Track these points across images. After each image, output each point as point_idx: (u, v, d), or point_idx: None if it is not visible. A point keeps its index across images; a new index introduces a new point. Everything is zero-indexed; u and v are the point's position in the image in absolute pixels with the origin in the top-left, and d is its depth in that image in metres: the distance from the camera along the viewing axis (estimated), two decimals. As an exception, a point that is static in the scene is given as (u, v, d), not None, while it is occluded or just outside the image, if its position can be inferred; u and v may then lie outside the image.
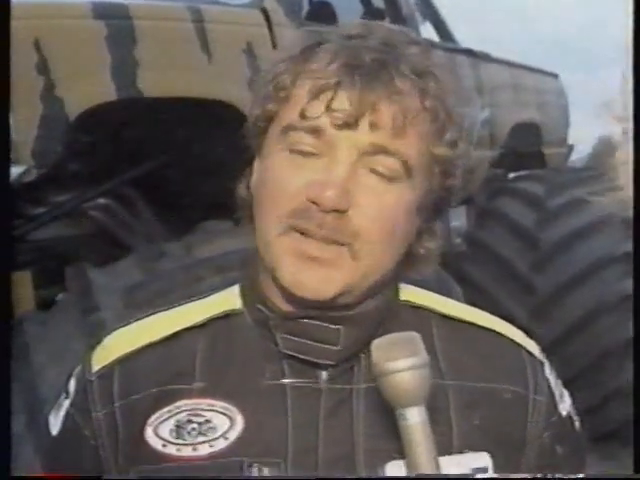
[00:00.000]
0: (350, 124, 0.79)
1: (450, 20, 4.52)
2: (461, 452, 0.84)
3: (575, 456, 0.92)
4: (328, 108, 0.79)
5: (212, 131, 2.39)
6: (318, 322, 0.84)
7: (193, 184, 2.68)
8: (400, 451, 0.76)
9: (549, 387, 0.91)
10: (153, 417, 0.84)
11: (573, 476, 0.88)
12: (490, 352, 0.90)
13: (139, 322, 0.92)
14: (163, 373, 0.86)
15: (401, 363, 0.74)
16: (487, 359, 0.89)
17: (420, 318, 0.90)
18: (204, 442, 0.82)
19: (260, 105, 0.84)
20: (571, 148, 5.62)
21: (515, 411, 0.88)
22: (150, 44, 2.27)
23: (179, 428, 0.83)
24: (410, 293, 0.92)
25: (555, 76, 5.47)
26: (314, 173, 0.80)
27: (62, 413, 0.90)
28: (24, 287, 2.33)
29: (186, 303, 0.92)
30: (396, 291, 0.90)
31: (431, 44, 3.91)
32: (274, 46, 2.61)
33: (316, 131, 0.80)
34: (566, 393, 0.93)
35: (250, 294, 0.89)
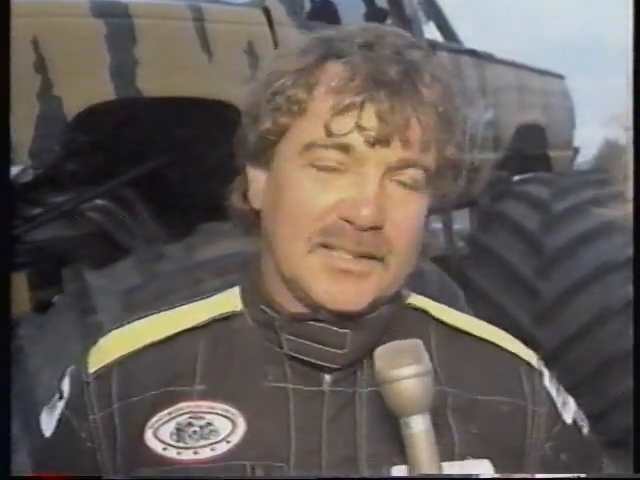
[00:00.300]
0: (382, 142, 0.79)
1: (454, 20, 4.51)
2: (463, 459, 0.83)
3: (586, 461, 0.91)
4: (357, 125, 0.79)
5: (212, 131, 2.37)
6: (325, 325, 0.84)
7: (193, 185, 2.67)
8: (402, 455, 0.76)
9: (549, 397, 0.90)
10: (153, 419, 0.83)
11: (573, 476, 0.86)
12: (486, 364, 0.90)
13: (137, 322, 0.91)
14: (163, 374, 0.85)
15: (405, 371, 0.74)
16: (483, 371, 0.89)
17: (419, 323, 0.90)
18: (205, 445, 0.82)
19: (270, 118, 0.83)
20: (577, 151, 5.59)
21: (513, 423, 0.87)
22: (150, 43, 2.26)
23: (180, 431, 0.83)
24: (412, 299, 0.92)
25: (561, 77, 5.45)
26: (344, 191, 0.80)
27: (56, 414, 0.89)
28: (20, 289, 2.31)
29: (183, 304, 0.92)
30: (401, 297, 0.91)
31: (435, 44, 3.92)
32: (275, 45, 2.59)
33: (345, 148, 0.80)
34: (571, 400, 0.93)
35: (251, 295, 0.89)
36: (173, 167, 2.60)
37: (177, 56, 2.36)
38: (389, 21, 3.38)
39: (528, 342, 0.96)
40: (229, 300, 0.90)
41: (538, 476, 0.86)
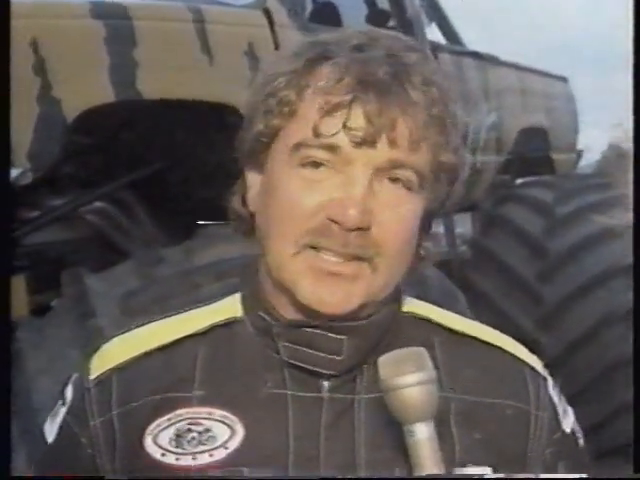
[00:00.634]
0: (369, 142, 0.79)
1: (456, 22, 4.49)
2: (464, 466, 0.83)
3: (577, 472, 0.90)
4: (345, 126, 0.79)
5: (212, 134, 2.36)
6: (322, 331, 0.84)
7: (192, 188, 2.67)
8: (401, 462, 0.76)
9: (552, 403, 0.90)
10: (152, 425, 0.84)
11: (574, 476, 0.87)
12: (492, 367, 0.90)
13: (138, 329, 0.91)
14: (163, 381, 0.86)
15: (409, 378, 0.74)
16: (489, 374, 0.89)
17: (422, 330, 0.90)
18: (204, 451, 0.82)
19: (262, 120, 0.84)
20: (580, 154, 5.57)
21: (517, 427, 0.87)
22: (149, 45, 2.26)
23: (179, 437, 0.83)
24: (413, 305, 0.92)
25: (564, 80, 5.43)
26: (331, 191, 0.80)
27: (58, 420, 0.89)
28: (18, 292, 2.30)
29: (186, 311, 0.92)
30: (399, 303, 0.90)
31: (437, 46, 3.91)
32: (276, 47, 2.58)
33: (332, 148, 0.80)
34: (570, 409, 0.93)
35: (251, 302, 0.89)
36: (173, 170, 2.60)
37: (177, 58, 2.36)
38: (391, 23, 3.37)
39: (531, 347, 0.96)
40: (230, 306, 0.90)
41: (541, 476, 0.86)
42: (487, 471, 0.84)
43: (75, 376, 0.90)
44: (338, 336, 0.84)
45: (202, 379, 0.85)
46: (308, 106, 0.81)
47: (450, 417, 0.85)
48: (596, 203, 4.25)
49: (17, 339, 2.07)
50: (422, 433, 0.74)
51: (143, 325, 0.92)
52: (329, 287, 0.81)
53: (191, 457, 0.82)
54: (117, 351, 0.89)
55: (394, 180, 0.81)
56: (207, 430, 0.83)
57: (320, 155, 0.80)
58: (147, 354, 0.87)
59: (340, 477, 0.82)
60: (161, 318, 0.92)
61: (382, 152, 0.80)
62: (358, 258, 0.81)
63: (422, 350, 0.77)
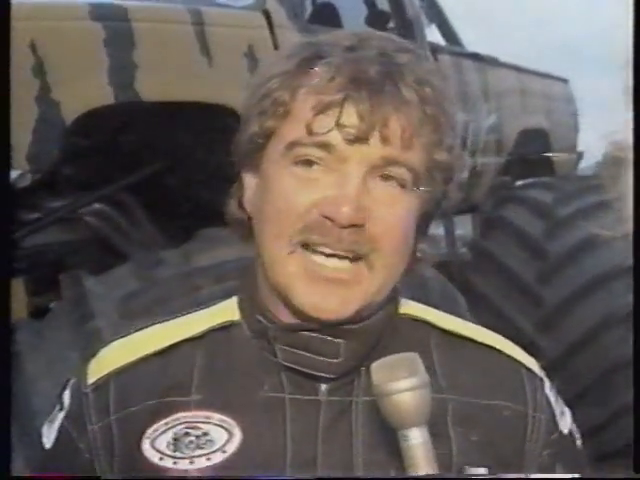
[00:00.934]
0: (361, 139, 0.80)
1: (456, 23, 4.49)
2: (461, 469, 0.83)
3: (575, 473, 0.91)
4: (337, 123, 0.80)
5: (211, 136, 2.35)
6: (319, 335, 0.84)
7: (192, 190, 2.66)
8: (398, 464, 0.76)
9: (549, 404, 0.90)
10: (150, 429, 0.84)
11: (570, 476, 0.87)
12: (489, 369, 0.90)
13: (135, 334, 0.91)
14: (160, 385, 0.86)
15: (402, 384, 0.74)
16: (486, 376, 0.89)
17: (419, 332, 0.90)
18: (201, 455, 0.82)
19: (257, 121, 0.84)
20: (580, 155, 5.56)
21: (514, 428, 0.88)
22: (149, 47, 2.26)
23: (176, 441, 0.83)
24: (410, 307, 0.92)
25: (564, 81, 5.42)
26: (325, 189, 0.81)
27: (56, 425, 0.89)
28: (17, 294, 2.29)
29: (184, 314, 0.92)
30: (396, 305, 0.90)
31: (437, 48, 3.91)
32: (276, 49, 2.58)
33: (325, 146, 0.80)
34: (567, 411, 0.93)
35: (249, 305, 0.89)
36: (172, 172, 2.60)
37: (176, 60, 2.36)
38: (391, 24, 3.36)
39: (531, 349, 0.96)
40: (227, 310, 0.90)
41: (533, 476, 0.86)
42: (484, 473, 0.84)
43: (72, 381, 0.90)
44: (335, 339, 0.84)
45: (199, 383, 0.86)
46: (301, 106, 0.81)
47: (447, 419, 0.85)
48: (596, 204, 4.23)
49: (16, 341, 2.07)
50: (416, 438, 0.74)
51: (141, 329, 0.92)
52: (324, 293, 0.81)
53: (189, 461, 0.82)
54: (114, 356, 0.89)
55: (388, 178, 0.82)
56: (205, 434, 0.83)
57: (314, 153, 0.81)
58: (144, 359, 0.87)
59: (337, 477, 0.82)
60: (158, 322, 0.92)
61: (375, 149, 0.80)
62: (354, 256, 0.81)
63: (414, 355, 0.77)
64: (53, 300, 2.35)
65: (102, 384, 0.87)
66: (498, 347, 0.91)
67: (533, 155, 4.90)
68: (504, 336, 0.95)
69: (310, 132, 0.80)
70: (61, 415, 0.89)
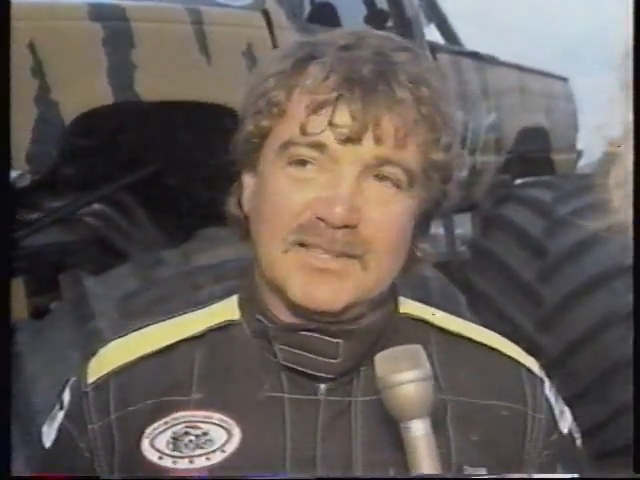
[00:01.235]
0: (354, 139, 0.80)
1: (455, 22, 4.49)
2: (460, 469, 0.83)
3: (577, 472, 0.91)
4: (330, 123, 0.80)
5: (211, 136, 2.35)
6: (318, 335, 0.84)
7: (191, 190, 2.66)
8: (398, 463, 0.77)
9: (549, 404, 0.90)
10: (150, 429, 0.84)
11: (569, 476, 0.87)
12: (488, 369, 0.90)
13: (135, 333, 0.91)
14: (160, 384, 0.86)
15: (405, 375, 0.74)
16: (485, 376, 0.89)
17: (418, 331, 0.89)
18: (201, 455, 0.82)
19: (252, 121, 0.84)
20: (580, 154, 5.56)
21: (513, 428, 0.88)
22: (148, 46, 2.26)
23: (176, 440, 0.83)
24: (409, 306, 0.92)
25: (564, 80, 5.42)
26: (319, 189, 0.81)
27: (56, 425, 0.89)
28: (17, 294, 2.29)
29: (184, 314, 0.92)
30: (396, 304, 0.90)
31: (436, 47, 3.90)
32: (275, 48, 2.57)
33: (319, 146, 0.80)
34: (567, 410, 0.92)
35: (248, 305, 0.89)
36: (171, 172, 2.60)
37: (175, 59, 2.35)
38: (390, 23, 3.36)
39: (531, 348, 0.96)
40: (227, 309, 0.90)
41: (535, 476, 0.86)
42: (483, 472, 0.84)
43: (72, 380, 0.90)
44: (334, 339, 0.84)
45: (199, 382, 0.86)
46: (296, 106, 0.81)
47: (446, 419, 0.85)
48: (596, 203, 4.23)
49: (16, 342, 2.07)
50: (419, 430, 0.74)
51: (141, 329, 0.92)
52: (318, 283, 0.81)
53: (188, 460, 0.82)
54: (114, 355, 0.89)
55: (382, 178, 0.81)
56: (204, 433, 0.83)
57: (307, 153, 0.81)
58: (144, 358, 0.87)
59: (337, 477, 0.82)
60: (158, 322, 0.92)
61: (368, 149, 0.80)
62: (347, 255, 0.81)
63: (418, 347, 0.77)
64: (53, 300, 2.35)
65: (102, 383, 0.87)
66: (498, 347, 0.91)
67: (533, 154, 4.90)
68: (504, 335, 0.95)
69: (304, 132, 0.80)
70: (61, 414, 0.89)
